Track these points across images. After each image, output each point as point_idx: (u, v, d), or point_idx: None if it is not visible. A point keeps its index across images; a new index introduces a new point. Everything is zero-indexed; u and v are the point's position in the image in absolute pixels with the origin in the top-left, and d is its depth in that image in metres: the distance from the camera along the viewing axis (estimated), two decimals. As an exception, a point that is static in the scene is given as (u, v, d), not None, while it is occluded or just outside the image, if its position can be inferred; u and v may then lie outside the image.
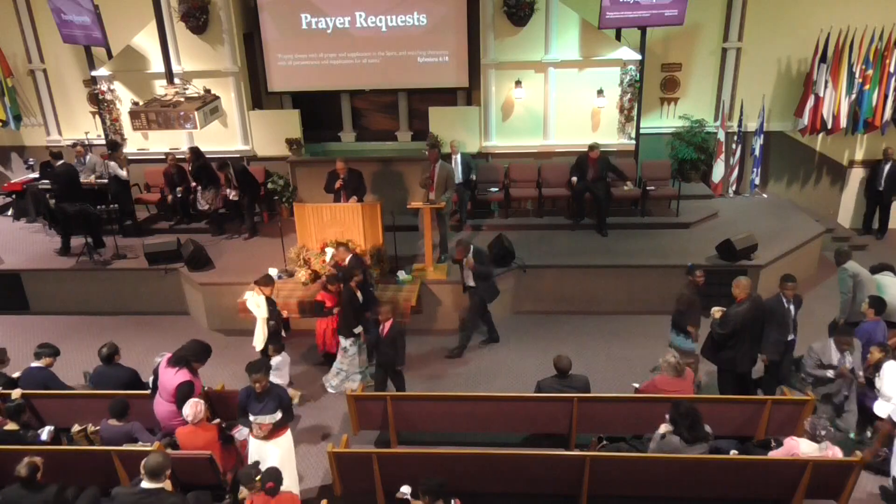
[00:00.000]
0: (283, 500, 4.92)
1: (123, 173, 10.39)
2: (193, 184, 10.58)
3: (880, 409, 6.26)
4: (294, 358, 8.50)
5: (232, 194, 10.28)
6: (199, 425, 5.59)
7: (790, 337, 6.86)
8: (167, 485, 4.83)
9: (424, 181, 9.22)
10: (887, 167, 10.92)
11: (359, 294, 7.38)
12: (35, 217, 11.43)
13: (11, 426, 5.80)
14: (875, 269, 7.71)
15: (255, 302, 7.18)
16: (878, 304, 6.89)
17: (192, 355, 5.91)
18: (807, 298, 9.34)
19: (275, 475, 4.90)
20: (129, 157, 11.33)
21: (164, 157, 10.93)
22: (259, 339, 7.21)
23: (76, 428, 6.14)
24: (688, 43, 11.33)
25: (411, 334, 8.84)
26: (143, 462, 4.65)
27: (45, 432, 6.05)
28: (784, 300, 6.77)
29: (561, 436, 6.41)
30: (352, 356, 7.52)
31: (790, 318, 6.79)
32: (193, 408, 5.56)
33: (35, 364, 6.73)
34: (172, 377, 5.81)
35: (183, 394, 5.73)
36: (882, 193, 11.09)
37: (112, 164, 10.35)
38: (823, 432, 5.23)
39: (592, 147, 10.02)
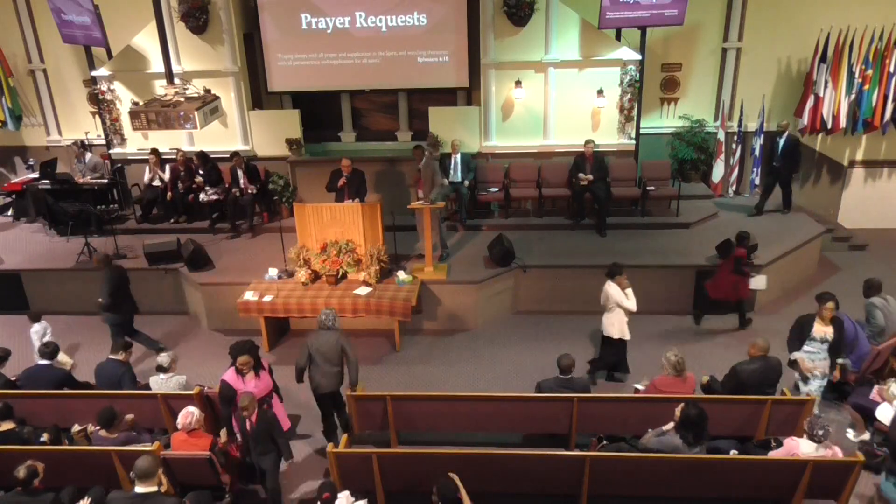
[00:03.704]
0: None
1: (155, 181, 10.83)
2: (197, 183, 10.64)
3: (883, 413, 6.27)
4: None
5: (247, 187, 10.41)
6: (192, 434, 5.57)
7: None
8: (163, 486, 4.84)
9: (413, 181, 9.32)
10: (783, 141, 10.37)
11: None
12: (35, 217, 11.43)
13: (7, 425, 5.79)
14: None
15: (627, 293, 7.15)
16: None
17: (231, 355, 5.92)
18: (807, 299, 9.37)
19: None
20: (129, 157, 11.40)
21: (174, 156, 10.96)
22: (625, 328, 7.24)
23: (76, 428, 6.14)
24: (688, 43, 11.33)
25: (411, 334, 8.88)
26: (134, 467, 4.57)
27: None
28: None
29: (561, 436, 6.42)
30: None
31: None
32: (184, 418, 5.56)
33: (43, 361, 6.83)
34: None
35: (221, 393, 5.82)
36: (779, 169, 10.51)
37: (156, 169, 10.76)
38: (821, 432, 5.23)
39: (587, 143, 10.11)
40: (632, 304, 7.22)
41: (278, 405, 6.32)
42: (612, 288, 7.21)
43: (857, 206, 11.66)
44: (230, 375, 5.87)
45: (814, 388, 6.47)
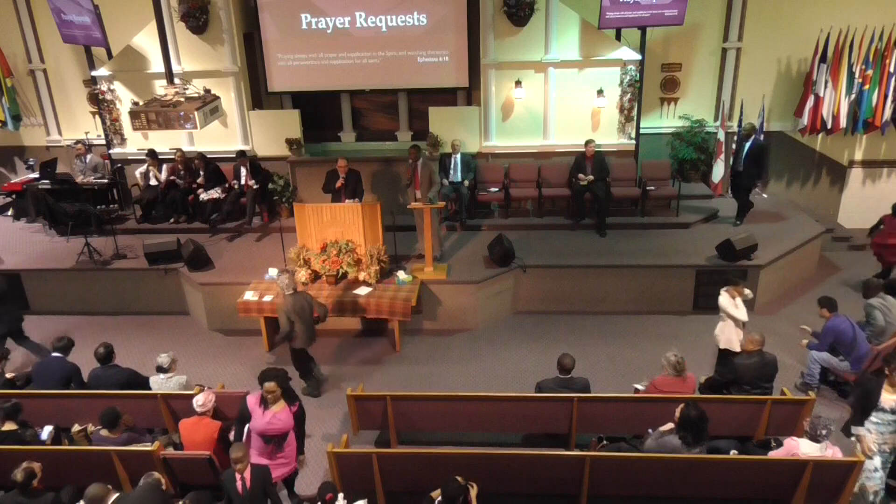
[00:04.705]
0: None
1: (153, 181, 10.83)
2: (199, 182, 10.66)
3: None
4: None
5: (248, 181, 10.40)
6: (203, 418, 5.61)
7: None
8: (163, 485, 4.90)
9: (408, 180, 9.38)
10: (748, 144, 9.81)
11: None
12: (35, 217, 11.42)
13: (9, 426, 5.79)
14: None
15: (737, 302, 6.98)
16: (830, 303, 7.07)
17: (259, 381, 5.53)
18: (806, 299, 9.39)
19: None
20: (129, 157, 11.40)
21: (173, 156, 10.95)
22: (733, 339, 7.02)
23: (76, 428, 6.14)
24: (688, 43, 11.33)
25: (411, 334, 8.88)
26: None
27: (46, 432, 6.05)
28: None
29: (561, 436, 6.42)
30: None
31: None
32: (206, 395, 5.63)
33: (56, 354, 6.82)
34: None
35: (239, 412, 5.59)
36: (741, 175, 9.98)
37: (152, 171, 10.78)
38: (824, 431, 5.23)
39: (587, 142, 10.12)
40: (741, 313, 6.93)
41: (292, 442, 5.67)
42: (722, 297, 7.04)
43: (857, 206, 11.66)
44: (253, 399, 5.46)
45: (877, 464, 5.50)
